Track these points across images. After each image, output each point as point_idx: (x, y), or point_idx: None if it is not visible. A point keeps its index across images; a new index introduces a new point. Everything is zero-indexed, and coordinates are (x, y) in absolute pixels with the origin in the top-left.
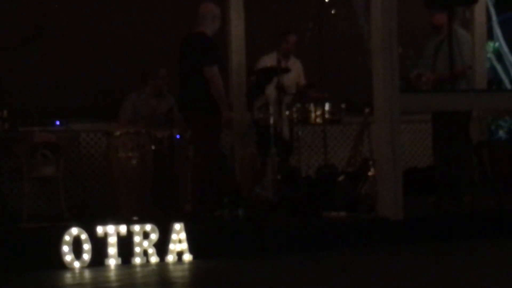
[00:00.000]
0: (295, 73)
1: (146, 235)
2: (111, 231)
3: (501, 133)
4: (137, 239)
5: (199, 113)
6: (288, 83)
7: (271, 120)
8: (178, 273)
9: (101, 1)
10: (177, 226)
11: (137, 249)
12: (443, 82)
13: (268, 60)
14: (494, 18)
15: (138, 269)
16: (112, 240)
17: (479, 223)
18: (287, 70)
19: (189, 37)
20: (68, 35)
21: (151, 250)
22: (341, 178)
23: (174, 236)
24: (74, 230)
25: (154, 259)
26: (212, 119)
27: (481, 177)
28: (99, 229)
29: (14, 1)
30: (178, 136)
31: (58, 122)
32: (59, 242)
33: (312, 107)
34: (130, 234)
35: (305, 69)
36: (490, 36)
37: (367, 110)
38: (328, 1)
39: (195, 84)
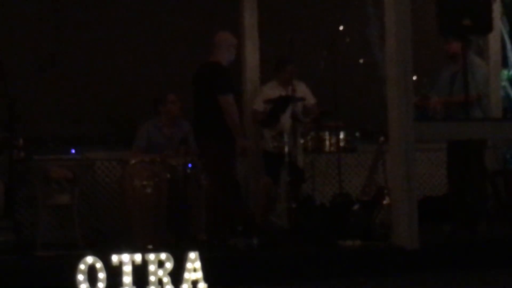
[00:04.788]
0: (300, 95)
1: (161, 264)
2: (126, 260)
3: None
4: (152, 267)
5: (214, 142)
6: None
7: (286, 149)
8: None
9: (115, 31)
10: (192, 254)
11: (152, 278)
12: (453, 106)
13: (268, 90)
14: (508, 46)
15: None
16: (127, 268)
17: (494, 252)
18: (301, 99)
19: (204, 66)
20: (83, 63)
21: (166, 279)
22: (356, 206)
23: (189, 265)
24: (89, 259)
25: None
26: (227, 148)
27: (496, 206)
28: (114, 258)
29: (29, 29)
30: (190, 165)
31: (73, 150)
32: (74, 270)
33: (326, 135)
34: (145, 262)
35: (318, 96)
36: (505, 64)
37: (381, 138)
38: (342, 30)
39: (210, 113)
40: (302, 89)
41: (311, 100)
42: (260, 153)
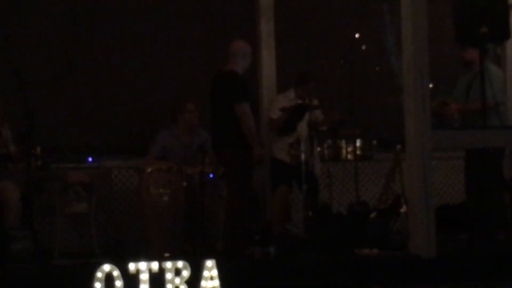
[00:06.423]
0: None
1: (178, 272)
2: (143, 268)
3: None
4: (169, 276)
5: (231, 151)
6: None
7: (303, 157)
8: None
9: (133, 39)
10: (209, 263)
11: (169, 286)
12: (470, 113)
13: (284, 99)
14: None
15: None
16: (144, 276)
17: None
18: (317, 107)
19: (219, 75)
20: (100, 72)
21: (182, 287)
22: (373, 215)
23: (205, 273)
24: (106, 267)
25: None
26: (244, 157)
27: None
28: (131, 266)
29: (46, 38)
30: (211, 175)
31: (90, 159)
32: (91, 278)
33: (343, 143)
34: (162, 270)
35: (334, 104)
36: None
37: (398, 146)
38: (359, 38)
39: (227, 122)
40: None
41: (320, 116)
42: (269, 162)
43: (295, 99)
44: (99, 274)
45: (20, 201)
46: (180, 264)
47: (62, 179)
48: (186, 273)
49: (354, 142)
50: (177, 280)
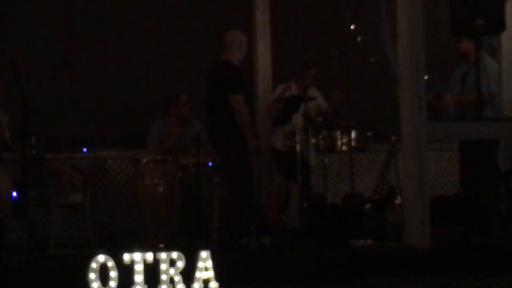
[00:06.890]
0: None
1: (172, 263)
2: (138, 259)
3: None
4: (163, 266)
5: (227, 142)
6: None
7: (298, 148)
8: None
9: (129, 31)
10: (204, 253)
11: (164, 277)
12: (465, 106)
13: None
14: None
15: None
16: (139, 267)
17: (507, 253)
18: (313, 98)
19: (215, 66)
20: (96, 63)
21: (177, 278)
22: (367, 206)
23: (200, 264)
24: (101, 257)
25: (180, 286)
26: (240, 148)
27: (508, 205)
28: (126, 256)
29: (43, 29)
30: (210, 164)
31: (85, 149)
32: (86, 269)
33: (338, 134)
34: (156, 261)
35: (330, 95)
36: None
37: (393, 138)
38: (354, 29)
39: (222, 113)
40: (315, 94)
41: (324, 104)
42: (267, 152)
43: (296, 90)
44: (94, 265)
45: (12, 192)
46: (174, 255)
47: (56, 175)
48: (180, 264)
49: (349, 133)
50: (172, 271)
